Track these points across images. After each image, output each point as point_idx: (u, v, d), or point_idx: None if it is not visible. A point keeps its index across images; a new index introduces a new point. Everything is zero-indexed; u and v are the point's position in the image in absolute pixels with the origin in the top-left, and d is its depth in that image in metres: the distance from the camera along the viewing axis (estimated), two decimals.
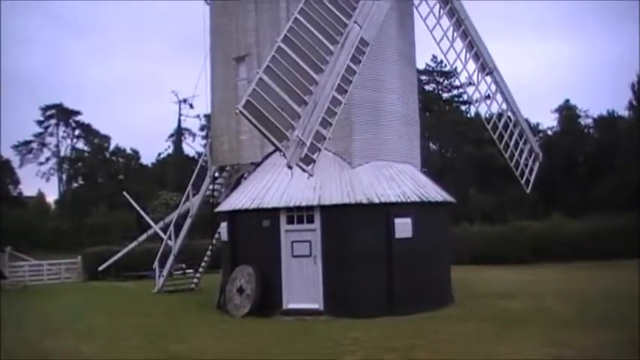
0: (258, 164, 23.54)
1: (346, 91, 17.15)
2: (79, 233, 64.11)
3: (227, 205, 23.03)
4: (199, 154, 53.14)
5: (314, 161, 15.89)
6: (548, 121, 64.51)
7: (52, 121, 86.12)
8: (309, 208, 20.37)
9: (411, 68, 25.41)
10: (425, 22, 24.11)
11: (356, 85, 18.01)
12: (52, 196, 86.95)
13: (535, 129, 57.35)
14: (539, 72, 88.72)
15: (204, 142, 63.77)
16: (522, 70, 76.75)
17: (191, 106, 72.76)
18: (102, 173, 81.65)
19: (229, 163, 26.07)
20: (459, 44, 25.02)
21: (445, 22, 24.57)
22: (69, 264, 42.30)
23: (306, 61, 16.50)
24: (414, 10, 24.39)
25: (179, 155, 73.00)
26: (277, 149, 15.85)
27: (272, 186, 21.28)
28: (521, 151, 27.13)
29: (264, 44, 23.06)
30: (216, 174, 27.40)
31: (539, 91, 74.29)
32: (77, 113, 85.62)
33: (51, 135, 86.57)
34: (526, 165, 27.37)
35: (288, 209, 20.59)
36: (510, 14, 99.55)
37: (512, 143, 26.50)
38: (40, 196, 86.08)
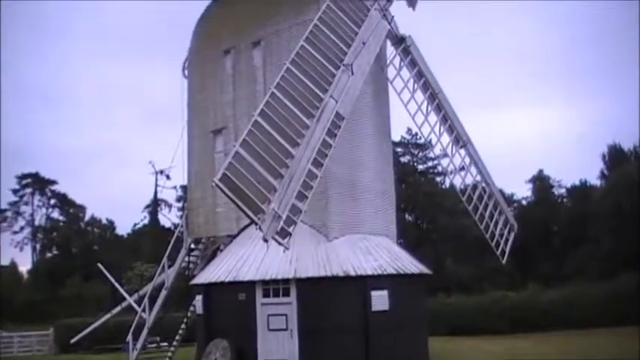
0: (234, 237, 23.51)
1: (322, 165, 17.27)
2: (52, 304, 62.91)
3: (203, 277, 22.89)
4: (175, 226, 52.79)
5: (290, 234, 15.85)
6: (523, 191, 65.36)
7: (28, 190, 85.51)
8: (285, 281, 20.30)
9: (387, 141, 25.75)
10: (399, 96, 24.58)
11: (332, 158, 18.14)
12: (25, 266, 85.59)
13: (509, 199, 57.97)
14: (513, 143, 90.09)
15: (180, 213, 63.44)
16: (496, 141, 77.91)
17: (168, 177, 72.57)
18: (76, 243, 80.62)
19: (205, 235, 26.02)
20: (433, 117, 25.51)
21: (419, 95, 25.10)
22: (41, 336, 41.39)
23: (282, 135, 16.64)
24: (389, 84, 24.85)
25: (155, 226, 72.43)
26: (253, 222, 15.75)
27: (248, 259, 21.22)
28: (496, 222, 27.37)
29: (241, 117, 23.40)
30: (192, 246, 27.23)
31: (513, 162, 75.44)
32: (53, 182, 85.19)
33: (26, 204, 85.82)
34: (501, 236, 27.58)
35: (264, 282, 20.51)
36: (483, 86, 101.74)
37: (487, 214, 26.74)
38: (13, 265, 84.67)
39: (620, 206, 45.97)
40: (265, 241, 15.50)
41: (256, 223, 15.38)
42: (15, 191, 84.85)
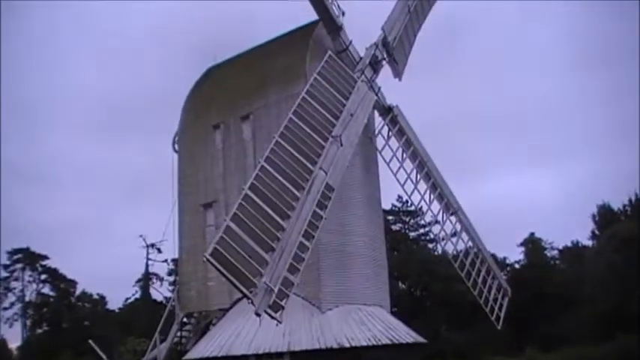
0: (226, 310, 23.31)
1: (313, 237, 17.23)
2: None
3: (195, 352, 22.59)
4: (167, 299, 52.31)
5: (282, 307, 15.72)
6: (515, 254, 65.07)
7: (19, 266, 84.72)
8: (279, 355, 20.06)
9: (377, 211, 25.88)
10: (389, 165, 24.81)
11: (323, 229, 18.09)
12: (15, 343, 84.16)
13: (502, 264, 57.71)
14: (503, 207, 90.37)
15: (172, 287, 62.96)
16: (486, 205, 77.98)
17: (159, 250, 72.29)
18: (67, 319, 79.57)
19: (197, 309, 25.84)
20: (422, 185, 25.75)
21: (408, 164, 25.38)
22: None
23: (273, 208, 16.65)
24: (378, 154, 25.10)
25: (147, 300, 71.63)
26: (245, 296, 15.62)
27: (241, 333, 21.01)
28: (490, 287, 27.30)
29: (232, 190, 23.52)
30: (185, 320, 26.99)
31: (503, 226, 75.46)
32: (44, 258, 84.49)
33: (16, 279, 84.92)
34: (495, 301, 27.46)
35: (257, 356, 20.26)
36: (471, 152, 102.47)
37: (480, 280, 26.70)
38: (3, 342, 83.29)
39: (614, 266, 45.92)
40: (258, 315, 15.35)
41: (248, 297, 15.25)
42: (5, 267, 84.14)
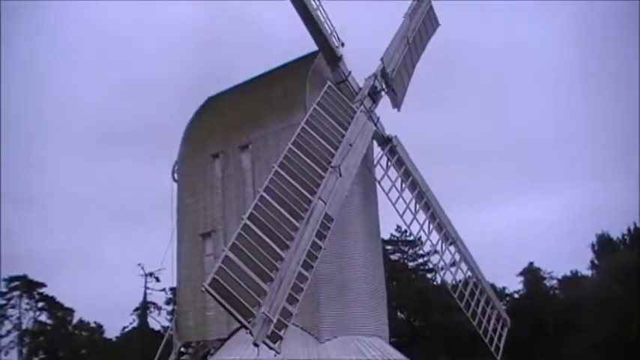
0: (224, 340, 23.16)
1: (312, 267, 17.21)
2: None
3: None
4: (165, 328, 52.05)
5: (281, 338, 15.68)
6: (514, 284, 64.88)
7: (16, 293, 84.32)
8: None
9: (376, 241, 25.83)
10: (388, 196, 24.84)
11: (322, 260, 18.08)
12: None
13: (501, 293, 57.61)
14: (502, 237, 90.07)
15: (170, 316, 62.60)
16: (485, 235, 77.72)
17: (157, 279, 72.02)
18: (64, 347, 79.06)
19: (195, 338, 25.64)
20: (421, 215, 25.76)
21: (407, 194, 25.40)
22: None
23: (271, 238, 16.65)
24: (377, 184, 25.14)
25: (144, 329, 71.22)
26: (244, 326, 15.55)
27: None
28: (489, 318, 27.23)
29: (231, 220, 23.49)
30: (182, 350, 26.78)
31: (502, 256, 75.25)
32: (42, 285, 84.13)
33: (13, 307, 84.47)
34: (494, 331, 27.38)
35: None
36: (470, 180, 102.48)
37: (479, 310, 26.64)
38: None
39: (614, 296, 45.79)
40: (256, 345, 15.30)
41: (247, 328, 15.20)
42: (2, 294, 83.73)
